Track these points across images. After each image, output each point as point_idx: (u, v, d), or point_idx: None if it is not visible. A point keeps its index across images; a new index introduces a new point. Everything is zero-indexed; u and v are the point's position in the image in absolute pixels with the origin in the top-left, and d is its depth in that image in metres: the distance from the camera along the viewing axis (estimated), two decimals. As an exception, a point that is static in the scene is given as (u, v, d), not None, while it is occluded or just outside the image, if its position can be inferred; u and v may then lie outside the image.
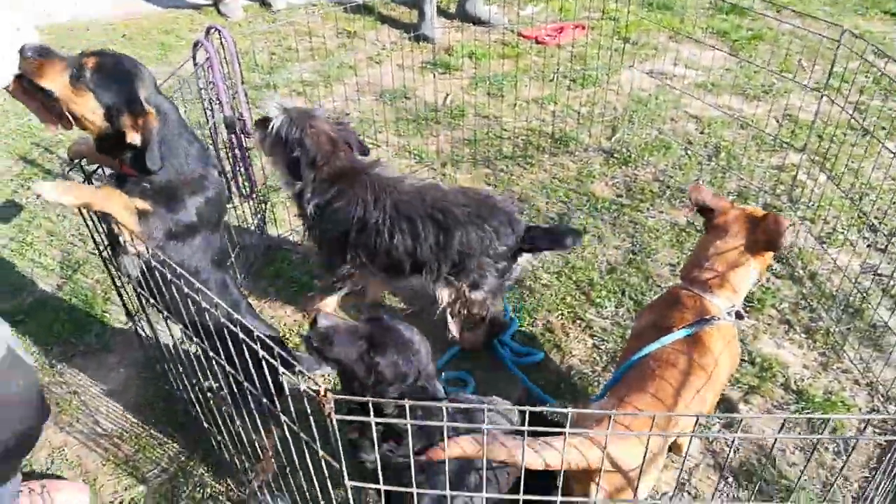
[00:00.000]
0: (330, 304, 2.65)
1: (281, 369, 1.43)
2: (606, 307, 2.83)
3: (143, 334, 2.24)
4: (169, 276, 1.64)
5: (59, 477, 2.20)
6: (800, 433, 2.39)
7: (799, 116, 3.81)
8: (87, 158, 1.93)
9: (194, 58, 2.41)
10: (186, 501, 2.16)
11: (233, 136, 2.55)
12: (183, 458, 2.28)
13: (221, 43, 2.52)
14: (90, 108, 1.69)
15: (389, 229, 2.30)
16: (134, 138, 1.72)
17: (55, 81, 1.65)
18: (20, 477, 1.96)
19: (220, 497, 2.16)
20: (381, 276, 2.48)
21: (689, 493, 2.18)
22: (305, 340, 1.65)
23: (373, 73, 4.37)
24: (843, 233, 3.09)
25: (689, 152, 3.77)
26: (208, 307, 1.64)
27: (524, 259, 2.45)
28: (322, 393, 1.24)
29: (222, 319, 1.66)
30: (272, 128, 2.30)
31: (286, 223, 3.23)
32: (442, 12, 5.39)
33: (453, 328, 2.55)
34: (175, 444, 2.32)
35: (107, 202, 1.72)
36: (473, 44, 4.74)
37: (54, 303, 2.85)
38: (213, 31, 2.50)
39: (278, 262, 3.07)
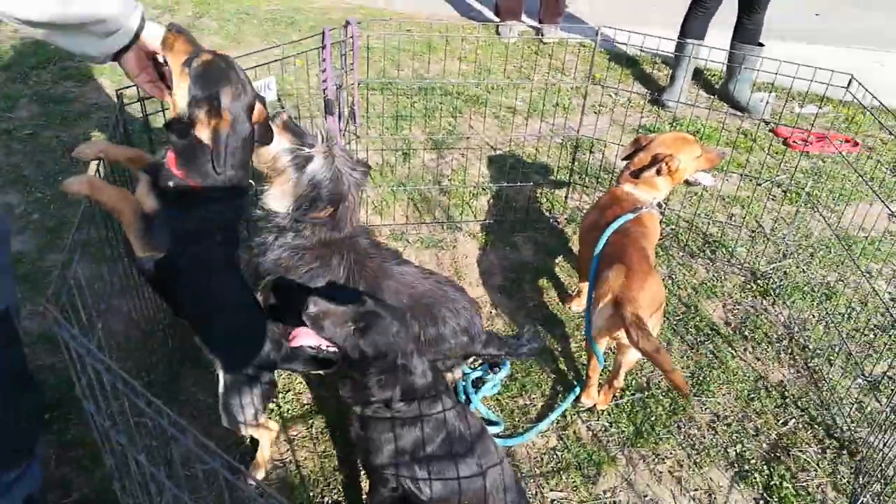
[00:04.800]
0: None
1: None
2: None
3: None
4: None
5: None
6: None
7: None
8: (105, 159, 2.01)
9: (322, 43, 2.76)
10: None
11: (328, 116, 2.85)
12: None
13: (349, 36, 2.83)
14: (181, 92, 1.83)
15: None
16: (202, 133, 1.84)
17: (174, 58, 1.82)
18: None
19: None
20: None
21: None
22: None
23: (581, 119, 4.30)
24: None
25: (852, 312, 3.06)
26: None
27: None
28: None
29: None
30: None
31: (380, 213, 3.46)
32: (706, 86, 5.06)
33: None
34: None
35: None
36: (707, 122, 4.38)
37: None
38: (348, 24, 2.83)
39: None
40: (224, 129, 1.83)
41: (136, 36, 1.74)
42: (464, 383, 2.55)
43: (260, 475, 2.22)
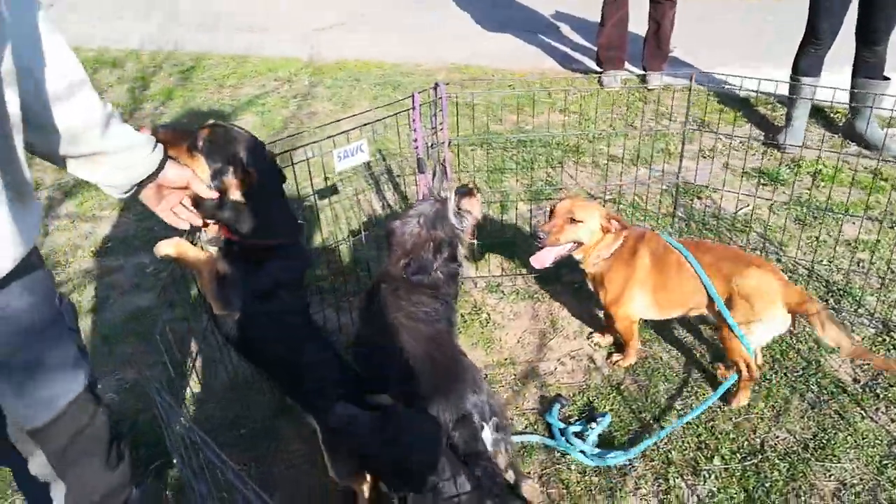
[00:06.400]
0: None
1: None
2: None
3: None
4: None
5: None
6: None
7: None
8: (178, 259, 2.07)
9: (412, 105, 2.86)
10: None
11: (420, 175, 2.93)
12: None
13: (438, 97, 2.92)
14: (202, 172, 1.89)
15: None
16: (236, 195, 1.94)
17: (177, 151, 1.87)
18: None
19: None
20: None
21: None
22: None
23: (689, 166, 4.12)
24: None
25: None
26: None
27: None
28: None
29: None
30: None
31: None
32: (828, 124, 4.74)
33: None
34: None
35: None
36: (829, 163, 4.09)
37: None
38: (437, 86, 2.91)
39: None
40: (256, 181, 1.93)
41: (156, 173, 1.72)
42: (563, 436, 2.49)
43: None
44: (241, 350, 2.15)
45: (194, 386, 2.67)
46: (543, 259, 2.68)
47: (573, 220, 2.62)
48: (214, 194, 1.90)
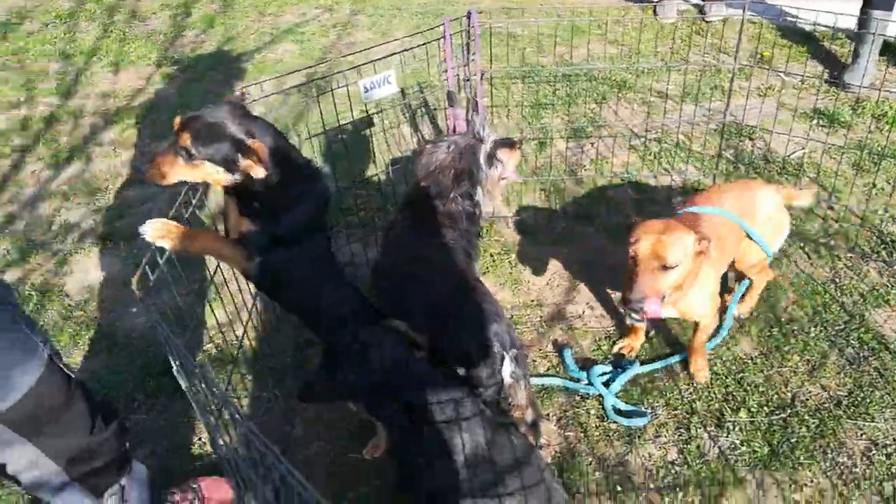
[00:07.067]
0: None
1: None
2: (736, 437, 2.28)
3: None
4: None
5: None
6: None
7: None
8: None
9: (443, 34, 2.74)
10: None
11: (451, 109, 2.82)
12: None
13: (471, 26, 2.78)
14: (211, 171, 1.83)
15: None
16: (259, 172, 1.82)
17: (177, 172, 1.81)
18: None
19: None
20: None
21: None
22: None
23: (739, 106, 3.89)
24: None
25: None
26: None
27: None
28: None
29: None
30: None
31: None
32: (898, 61, 4.40)
33: None
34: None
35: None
36: (896, 104, 3.81)
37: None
38: (470, 15, 2.77)
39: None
40: (264, 151, 1.82)
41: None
42: (590, 380, 2.46)
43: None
44: (265, 291, 2.15)
45: (220, 317, 2.71)
46: (654, 312, 2.05)
47: (666, 268, 2.00)
48: None
